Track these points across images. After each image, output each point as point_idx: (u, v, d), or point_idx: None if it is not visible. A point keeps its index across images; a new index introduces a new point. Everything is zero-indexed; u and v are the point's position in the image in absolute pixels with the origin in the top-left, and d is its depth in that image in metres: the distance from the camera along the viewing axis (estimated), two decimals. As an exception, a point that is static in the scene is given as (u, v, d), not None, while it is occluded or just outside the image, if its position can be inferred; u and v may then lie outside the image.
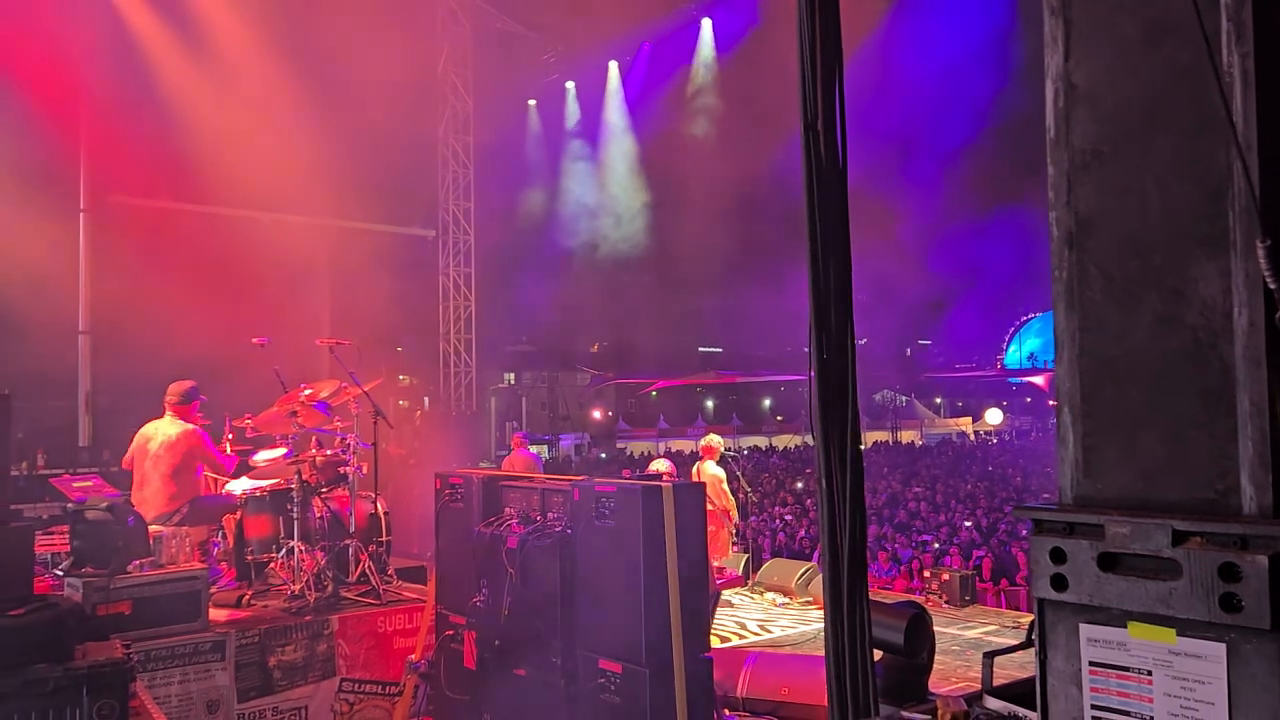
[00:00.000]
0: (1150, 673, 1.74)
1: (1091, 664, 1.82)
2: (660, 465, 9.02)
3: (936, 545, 15.29)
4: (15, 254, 12.83)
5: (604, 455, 38.81)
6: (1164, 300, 1.76)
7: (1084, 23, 1.91)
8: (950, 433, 53.40)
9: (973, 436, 51.52)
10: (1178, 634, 1.69)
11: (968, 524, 17.06)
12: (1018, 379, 65.31)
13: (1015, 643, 3.01)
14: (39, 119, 14.13)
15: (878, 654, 3.76)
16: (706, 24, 23.08)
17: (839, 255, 2.33)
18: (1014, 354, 71.56)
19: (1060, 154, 1.93)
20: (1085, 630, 1.82)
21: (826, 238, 2.32)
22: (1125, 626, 1.76)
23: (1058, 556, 1.84)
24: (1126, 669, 1.77)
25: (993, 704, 2.26)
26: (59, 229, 14.75)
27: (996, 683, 2.68)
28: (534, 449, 16.81)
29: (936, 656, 5.98)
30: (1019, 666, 2.39)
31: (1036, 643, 1.91)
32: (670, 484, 5.40)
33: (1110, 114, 1.87)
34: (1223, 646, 1.63)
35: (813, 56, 2.34)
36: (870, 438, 43.37)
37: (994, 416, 51.66)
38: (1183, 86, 1.75)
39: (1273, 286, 1.55)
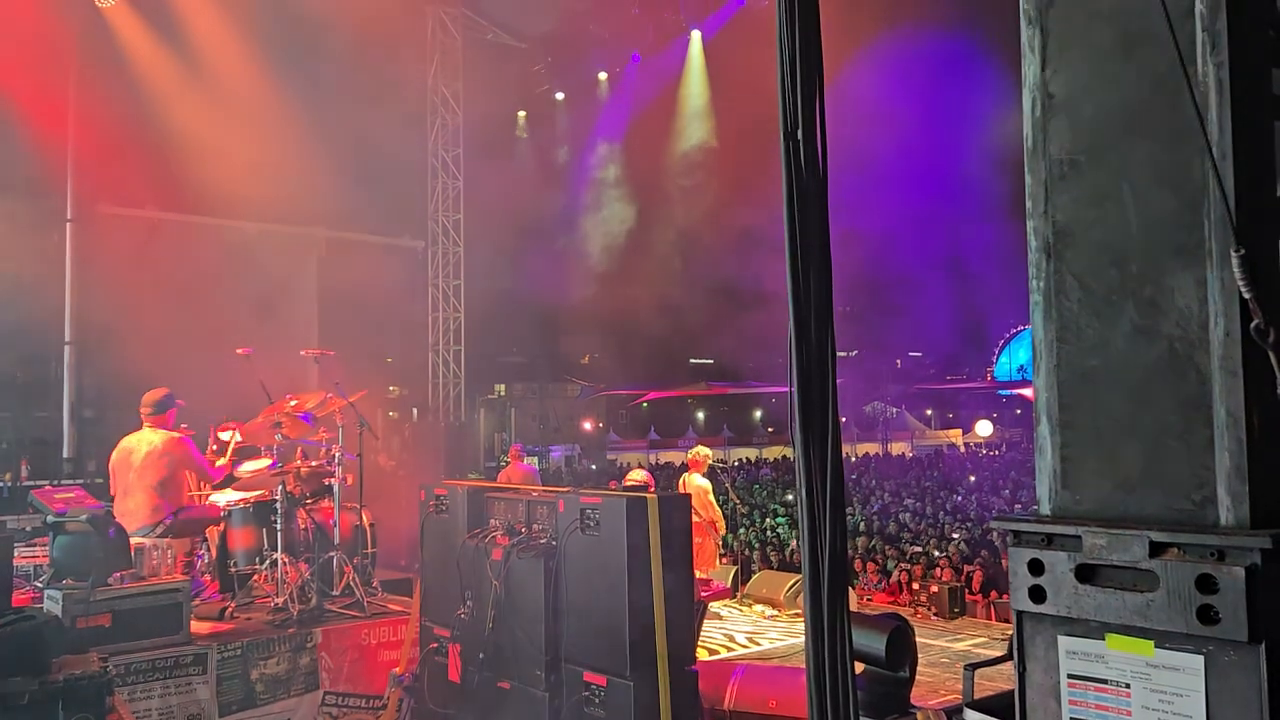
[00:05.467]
0: (1129, 685, 1.72)
1: (1070, 676, 1.81)
2: (638, 475, 9.08)
3: (926, 556, 15.27)
4: (1, 263, 12.77)
5: (594, 466, 38.76)
6: (1141, 310, 1.76)
7: (1061, 32, 1.90)
8: (941, 444, 53.45)
9: (963, 448, 51.59)
10: (1156, 646, 1.68)
11: (955, 535, 17.05)
12: (1007, 391, 65.47)
13: (1000, 654, 2.99)
14: (26, 128, 14.08)
15: (860, 666, 3.74)
16: (696, 35, 23.19)
17: (819, 265, 2.31)
18: (1004, 365, 71.80)
19: (1038, 163, 1.92)
20: (1064, 642, 1.81)
21: (806, 247, 2.30)
22: (1104, 639, 1.75)
23: (1036, 568, 1.83)
24: (1105, 681, 1.76)
25: (973, 717, 2.24)
26: (45, 238, 14.69)
27: (981, 695, 2.66)
28: (528, 460, 16.75)
29: (925, 669, 5.97)
30: (1006, 679, 2.37)
31: (1015, 655, 1.89)
32: (655, 496, 5.37)
33: (1087, 123, 1.86)
34: (1201, 659, 1.62)
35: (793, 66, 2.32)
36: (860, 449, 43.47)
37: (984, 428, 51.72)
38: (1159, 95, 1.74)
39: (1247, 296, 1.55)
